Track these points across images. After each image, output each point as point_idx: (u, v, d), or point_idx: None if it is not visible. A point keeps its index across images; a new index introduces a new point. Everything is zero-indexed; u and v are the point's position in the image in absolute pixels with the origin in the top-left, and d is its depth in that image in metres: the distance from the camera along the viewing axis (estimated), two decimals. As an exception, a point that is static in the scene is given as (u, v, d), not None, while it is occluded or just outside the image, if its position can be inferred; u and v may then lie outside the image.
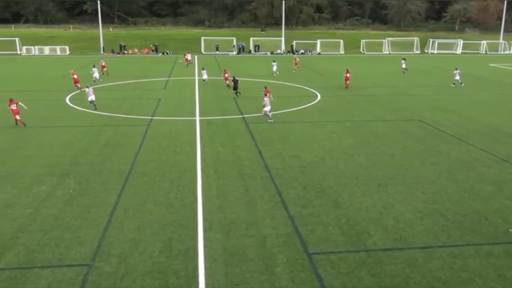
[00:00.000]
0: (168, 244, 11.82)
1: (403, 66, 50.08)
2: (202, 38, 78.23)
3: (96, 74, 40.74)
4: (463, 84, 39.35)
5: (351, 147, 20.79)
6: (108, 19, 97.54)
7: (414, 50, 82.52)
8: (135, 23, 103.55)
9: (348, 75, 38.23)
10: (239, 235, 12.33)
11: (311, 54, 76.83)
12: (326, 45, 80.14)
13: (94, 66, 41.97)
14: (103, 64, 47.51)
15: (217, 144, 21.04)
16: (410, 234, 12.50)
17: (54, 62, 58.50)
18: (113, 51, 73.74)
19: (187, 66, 54.83)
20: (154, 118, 26.39)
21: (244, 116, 27.02)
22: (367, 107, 30.28)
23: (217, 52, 74.95)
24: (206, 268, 10.72)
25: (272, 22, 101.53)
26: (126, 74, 46.63)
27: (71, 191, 15.39)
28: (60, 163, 18.24)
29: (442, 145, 21.22)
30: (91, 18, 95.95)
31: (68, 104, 30.46)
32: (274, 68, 47.81)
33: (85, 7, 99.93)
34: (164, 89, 37.70)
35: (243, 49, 78.62)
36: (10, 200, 14.60)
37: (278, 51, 78.09)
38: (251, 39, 79.65)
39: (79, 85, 35.41)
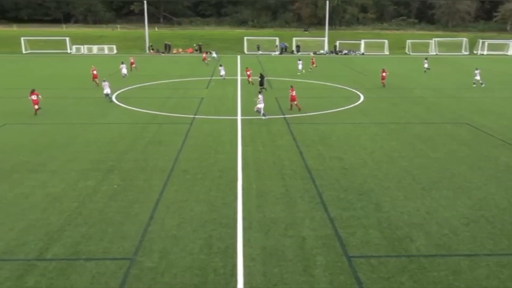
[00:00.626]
0: (208, 242, 11.95)
1: (425, 65, 49.60)
2: (245, 38, 78.66)
3: (124, 70, 43.56)
4: (483, 85, 38.67)
5: (394, 149, 20.38)
6: (154, 19, 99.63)
7: (463, 51, 79.99)
8: (179, 23, 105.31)
9: (384, 74, 38.55)
10: (278, 235, 12.32)
11: (354, 55, 75.83)
12: (370, 45, 78.93)
13: (122, 63, 44.73)
14: (132, 61, 50.40)
15: (258, 144, 21.10)
16: (454, 240, 12.12)
17: (102, 61, 60.28)
18: (158, 51, 75.23)
19: (207, 65, 55.68)
20: (197, 116, 26.74)
21: (285, 116, 26.97)
22: (412, 109, 29.60)
23: (259, 52, 75.14)
24: (245, 267, 10.76)
25: (315, 22, 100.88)
26: (170, 73, 47.47)
27: (115, 186, 15.81)
28: (105, 159, 18.78)
29: (491, 149, 20.47)
30: (138, 18, 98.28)
31: (114, 102, 31.30)
32: (300, 67, 48.26)
33: (132, 7, 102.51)
34: (206, 88, 38.14)
35: (285, 49, 78.49)
36: (58, 193, 15.15)
37: (321, 51, 77.53)
38: (294, 39, 79.44)
39: (97, 80, 37.31)
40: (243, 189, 15.60)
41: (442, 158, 19.13)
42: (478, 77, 39.10)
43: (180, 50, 77.25)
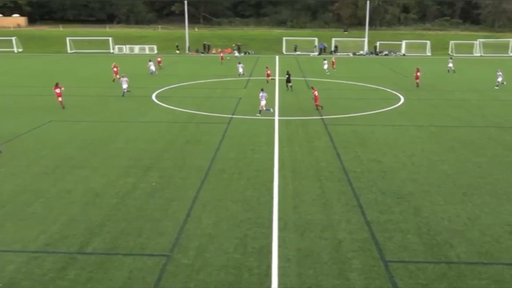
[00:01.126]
0: (243, 241, 12.00)
1: (450, 65, 48.75)
2: (284, 38, 78.52)
3: (152, 67, 46.55)
4: (505, 83, 38.79)
5: (434, 153, 19.88)
6: (194, 20, 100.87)
7: (510, 52, 77.15)
8: (219, 24, 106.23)
9: (418, 74, 38.44)
10: (313, 237, 12.24)
11: (395, 56, 74.42)
12: (411, 46, 77.22)
13: (150, 61, 47.64)
14: (159, 59, 53.28)
15: (295, 145, 21.03)
16: (497, 248, 11.71)
17: (143, 60, 61.51)
18: (197, 51, 76.12)
19: (221, 63, 57.01)
20: (234, 116, 26.90)
21: (323, 117, 26.77)
22: (454, 111, 28.79)
23: (297, 52, 74.86)
24: (279, 268, 10.75)
25: (355, 23, 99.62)
26: (209, 73, 47.94)
27: (153, 184, 16.11)
28: (145, 156, 19.16)
29: (538, 155, 19.66)
30: (178, 18, 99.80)
31: (154, 101, 31.88)
32: (325, 67, 48.29)
33: (173, 8, 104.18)
34: (244, 88, 38.30)
35: (324, 49, 77.88)
36: (99, 189, 15.57)
37: (361, 52, 76.52)
38: (333, 39, 78.69)
39: (118, 76, 38.81)
40: (279, 189, 15.59)
41: (485, 163, 18.52)
42: (500, 79, 38.89)
43: (220, 50, 77.90)
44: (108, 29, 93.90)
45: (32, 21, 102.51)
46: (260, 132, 23.25)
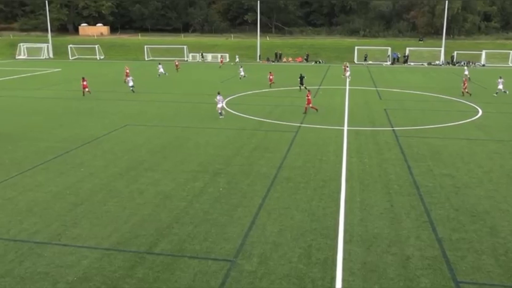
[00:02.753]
0: (307, 251, 11.89)
1: (500, 86, 39.12)
2: (356, 47, 77.40)
3: (162, 70, 52.33)
4: (507, 92, 38.22)
5: (515, 170, 18.66)
6: (266, 29, 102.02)
7: None
8: (290, 33, 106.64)
9: (465, 83, 38.36)
10: (380, 251, 11.88)
11: (474, 66, 70.92)
12: (492, 56, 73.31)
13: (159, 64, 53.65)
14: (177, 63, 59.62)
15: (364, 156, 20.60)
16: None
17: (215, 68, 63.03)
18: (268, 59, 76.87)
19: (220, 68, 62.43)
20: (303, 125, 26.83)
21: (394, 128, 26.03)
22: (539, 126, 26.91)
23: (369, 62, 73.42)
24: (343, 281, 10.53)
25: (431, 32, 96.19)
26: (280, 82, 48.17)
27: (221, 189, 16.39)
28: (213, 162, 19.57)
29: None
30: (251, 28, 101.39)
31: (225, 108, 32.51)
32: (348, 74, 49.51)
33: (246, 17, 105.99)
34: (314, 97, 38.07)
35: (397, 59, 75.89)
36: (169, 192, 16.09)
37: (437, 62, 73.74)
38: (407, 49, 76.50)
39: (127, 78, 43.68)
40: (346, 201, 15.31)
41: None
42: (501, 86, 38.51)
43: (290, 59, 78.19)
44: (183, 37, 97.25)
45: (114, 30, 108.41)
46: (328, 142, 23.00)
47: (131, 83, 40.06)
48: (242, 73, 49.99)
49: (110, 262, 11.35)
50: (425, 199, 15.46)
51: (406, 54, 75.25)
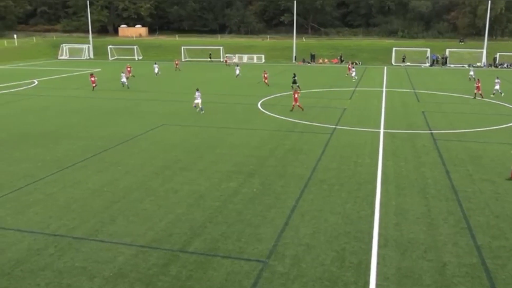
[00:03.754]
0: (340, 254, 11.76)
1: (496, 87, 38.47)
2: (394, 48, 76.10)
3: (156, 70, 54.89)
4: (502, 94, 37.75)
5: (560, 176, 17.91)
6: (302, 30, 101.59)
7: None
8: (327, 34, 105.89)
9: (479, 84, 37.51)
10: (415, 257, 11.63)
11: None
12: (537, 58, 70.64)
13: (155, 63, 56.94)
14: (177, 62, 63.60)
15: (400, 159, 20.22)
16: None
17: (251, 69, 63.25)
18: (304, 60, 76.57)
19: (228, 66, 65.73)
20: (338, 127, 26.58)
21: (432, 131, 25.44)
22: None
23: (407, 63, 72.04)
24: (377, 286, 10.36)
25: (473, 33, 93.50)
26: (315, 83, 47.95)
27: (254, 190, 16.42)
28: (247, 163, 19.63)
29: None
30: (287, 29, 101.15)
31: (259, 109, 32.60)
32: (353, 74, 46.96)
33: (282, 18, 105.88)
34: (350, 99, 37.71)
35: (437, 61, 74.18)
36: (203, 192, 16.24)
37: (478, 64, 71.63)
38: (447, 50, 74.66)
39: (131, 74, 49.87)
40: (381, 204, 15.06)
41: None
42: (497, 87, 38.16)
43: (326, 60, 77.64)
44: (219, 39, 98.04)
45: (152, 31, 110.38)
46: (364, 144, 22.69)
47: (123, 79, 42.95)
48: (238, 72, 53.24)
49: (145, 259, 11.55)
50: (463, 204, 15.04)
51: (445, 56, 73.39)
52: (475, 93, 37.58)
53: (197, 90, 30.92)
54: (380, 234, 12.85)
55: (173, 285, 10.42)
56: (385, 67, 67.00)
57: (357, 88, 44.14)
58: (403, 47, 78.22)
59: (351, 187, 16.70)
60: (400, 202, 15.28)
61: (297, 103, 30.58)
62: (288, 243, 12.38)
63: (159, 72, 54.89)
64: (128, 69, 51.13)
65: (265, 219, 13.94)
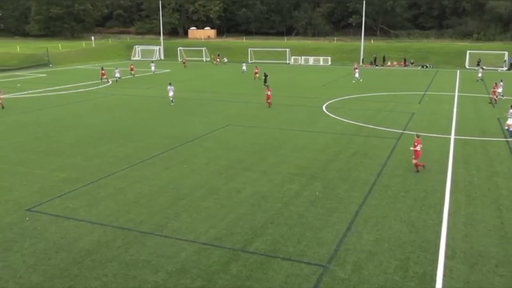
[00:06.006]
0: (404, 263, 11.39)
1: (499, 90, 37.28)
2: (468, 51, 72.62)
3: (153, 68, 59.40)
4: (504, 97, 36.88)
5: None
6: (370, 32, 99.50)
7: None
8: (396, 36, 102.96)
9: (495, 89, 36.61)
10: (486, 271, 11.02)
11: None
12: None
13: (152, 62, 61.67)
14: (184, 61, 71.24)
15: (471, 167, 19.26)
16: None
17: (317, 72, 62.77)
18: (371, 63, 74.93)
19: (216, 65, 71.67)
20: (405, 132, 25.74)
21: (508, 139, 24.02)
22: None
23: (482, 67, 68.49)
24: (443, 299, 9.93)
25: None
26: (383, 86, 46.76)
27: (317, 193, 16.27)
28: (310, 165, 19.48)
29: None
30: (355, 31, 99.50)
31: (324, 111, 32.27)
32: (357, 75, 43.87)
33: (350, 20, 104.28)
34: (419, 103, 36.42)
35: (515, 65, 69.90)
36: (265, 193, 16.31)
37: (562, 68, 66.75)
38: (527, 53, 70.20)
39: (133, 72, 54.88)
40: (450, 214, 14.42)
41: None
42: (500, 90, 37.06)
43: (395, 63, 75.54)
44: (286, 41, 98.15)
45: (220, 33, 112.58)
46: (433, 150, 21.82)
47: (117, 75, 48.23)
48: (244, 68, 59.15)
49: (207, 256, 11.78)
50: (541, 218, 14.08)
51: (478, 59, 68.70)
52: (491, 98, 36.70)
53: (170, 84, 35.49)
54: (447, 245, 12.30)
55: (233, 284, 10.54)
56: (458, 71, 64.10)
57: (427, 92, 42.55)
58: (478, 50, 74.44)
59: (417, 194, 16.13)
60: (471, 212, 14.56)
61: (269, 100, 33.39)
62: (349, 248, 12.16)
63: (246, 70, 59.23)
64: (131, 67, 55.72)
65: (326, 223, 13.77)
